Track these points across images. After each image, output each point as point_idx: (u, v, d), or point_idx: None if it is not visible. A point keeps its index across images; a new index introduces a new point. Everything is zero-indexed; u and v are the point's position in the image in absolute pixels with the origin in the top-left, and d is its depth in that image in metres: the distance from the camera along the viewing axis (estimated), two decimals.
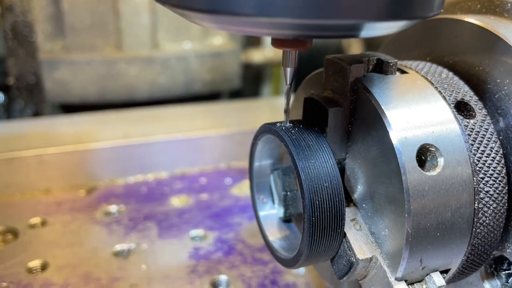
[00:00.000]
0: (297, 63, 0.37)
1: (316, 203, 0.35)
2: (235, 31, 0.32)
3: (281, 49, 0.36)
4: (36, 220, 0.69)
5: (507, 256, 0.38)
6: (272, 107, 1.05)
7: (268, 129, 0.39)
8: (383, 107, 0.34)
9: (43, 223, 0.68)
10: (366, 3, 0.27)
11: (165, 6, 0.31)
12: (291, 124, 0.38)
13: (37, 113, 1.04)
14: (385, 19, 0.28)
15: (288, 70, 0.37)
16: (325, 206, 0.35)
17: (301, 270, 0.59)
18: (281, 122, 0.39)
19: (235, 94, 1.18)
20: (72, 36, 0.97)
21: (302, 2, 0.26)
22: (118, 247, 0.63)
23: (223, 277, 0.58)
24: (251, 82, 1.21)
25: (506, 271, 0.40)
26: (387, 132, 0.33)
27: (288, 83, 0.38)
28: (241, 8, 0.27)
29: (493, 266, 0.40)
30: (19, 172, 0.76)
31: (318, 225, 0.35)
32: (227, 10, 0.27)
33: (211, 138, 0.88)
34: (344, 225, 0.36)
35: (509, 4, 0.40)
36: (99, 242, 0.64)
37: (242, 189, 0.79)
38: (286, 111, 0.39)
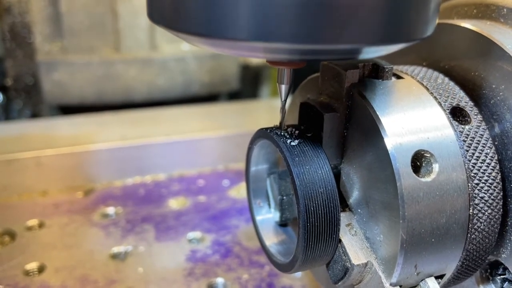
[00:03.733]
0: (291, 80, 0.37)
1: (311, 209, 0.35)
2: (232, 54, 0.32)
3: (276, 67, 0.36)
4: (33, 222, 0.69)
5: (502, 261, 0.38)
6: (271, 109, 1.05)
7: (263, 134, 0.39)
8: (378, 113, 0.34)
9: (41, 225, 0.68)
10: (362, 29, 0.27)
11: (164, 29, 0.31)
12: (286, 129, 0.38)
13: (35, 114, 1.04)
14: (381, 44, 0.29)
15: (283, 87, 0.37)
16: (320, 211, 0.35)
17: (298, 273, 0.59)
18: (276, 127, 0.39)
19: (234, 96, 1.19)
20: (70, 37, 0.97)
21: (297, 28, 0.26)
22: (115, 249, 0.63)
23: (220, 280, 0.58)
24: (249, 84, 1.21)
25: (501, 276, 0.40)
26: (382, 138, 0.33)
27: (283, 100, 0.38)
28: (236, 33, 0.27)
29: (488, 270, 0.40)
30: (17, 173, 0.76)
31: (313, 231, 0.35)
32: (223, 35, 0.27)
33: (209, 139, 0.88)
34: (339, 230, 0.36)
35: (505, 10, 0.40)
36: (96, 245, 0.64)
37: (240, 191, 0.79)
38: (281, 124, 0.39)
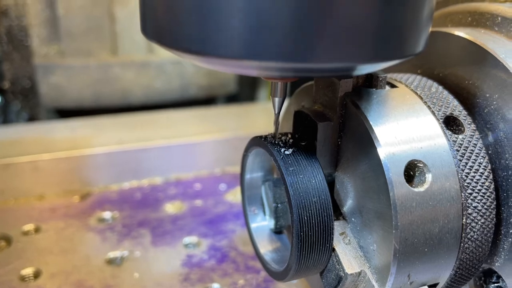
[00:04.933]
0: (285, 93, 0.37)
1: (305, 218, 0.35)
2: (225, 71, 0.32)
3: (269, 80, 0.36)
4: (29, 226, 0.68)
5: (496, 270, 0.38)
6: (268, 112, 1.04)
7: (258, 142, 0.39)
8: (371, 123, 0.34)
9: (37, 230, 0.68)
10: (355, 48, 0.27)
11: (157, 45, 0.31)
12: (280, 138, 0.38)
13: (32, 117, 1.04)
14: (374, 62, 0.29)
15: (277, 100, 0.37)
16: (313, 221, 0.35)
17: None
18: (271, 135, 0.39)
19: (231, 99, 1.19)
20: (68, 40, 0.97)
21: (289, 47, 0.26)
22: (111, 254, 0.63)
23: (215, 286, 0.58)
24: (247, 87, 1.21)
25: (495, 284, 0.40)
26: (375, 148, 0.33)
27: (276, 112, 0.38)
28: (229, 52, 0.27)
29: (482, 279, 0.40)
30: (13, 178, 0.76)
31: (307, 240, 0.35)
32: (216, 53, 0.27)
33: (206, 143, 0.88)
34: (332, 239, 0.36)
35: (499, 18, 0.41)
36: (92, 250, 0.64)
37: (237, 195, 0.79)
38: (275, 136, 0.39)
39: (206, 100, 1.12)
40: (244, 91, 1.21)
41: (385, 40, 0.29)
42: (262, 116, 1.03)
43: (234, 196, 0.79)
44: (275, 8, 0.26)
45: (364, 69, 0.32)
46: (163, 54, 1.04)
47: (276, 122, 0.39)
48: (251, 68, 0.30)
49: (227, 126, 0.93)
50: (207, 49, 0.28)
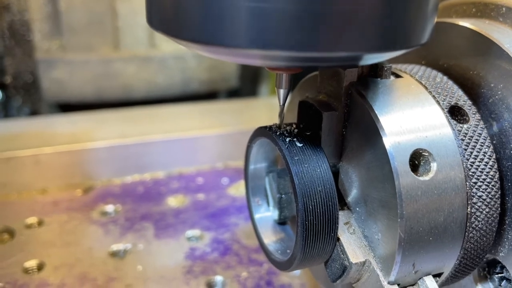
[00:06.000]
0: (290, 85, 0.37)
1: (310, 207, 0.35)
2: (230, 61, 0.32)
3: (274, 72, 0.36)
4: (32, 220, 0.69)
5: (500, 260, 0.39)
6: (270, 107, 1.05)
7: (262, 133, 0.39)
8: (376, 112, 0.34)
9: (40, 223, 0.68)
10: (361, 36, 0.27)
11: (163, 35, 0.31)
12: (285, 128, 0.38)
13: (34, 112, 1.04)
14: (380, 51, 0.29)
15: (281, 91, 0.37)
16: (318, 210, 0.35)
17: (297, 271, 0.60)
18: (275, 125, 0.39)
19: (233, 94, 1.18)
20: (69, 35, 0.97)
21: (295, 35, 0.26)
22: (114, 247, 0.63)
23: (218, 278, 0.58)
24: (248, 82, 1.21)
25: (499, 274, 0.40)
26: (380, 137, 0.33)
27: (281, 104, 0.38)
28: (235, 41, 0.27)
29: (486, 269, 0.40)
30: (16, 171, 0.76)
31: (312, 229, 0.35)
32: (221, 42, 0.27)
33: (208, 137, 0.88)
34: (337, 229, 0.36)
35: (504, 8, 0.40)
36: (95, 242, 0.64)
37: (239, 189, 0.79)
38: (280, 127, 0.38)
39: (207, 95, 1.12)
40: (246, 86, 1.20)
41: (391, 30, 0.29)
42: (263, 111, 1.03)
43: (237, 190, 0.79)
44: None
45: (370, 59, 0.32)
46: (165, 48, 1.04)
47: (281, 114, 0.39)
48: (256, 58, 0.30)
49: (229, 121, 0.93)
50: (212, 38, 0.28)
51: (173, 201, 0.75)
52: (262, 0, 0.26)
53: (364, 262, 0.36)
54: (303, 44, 0.27)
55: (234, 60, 0.31)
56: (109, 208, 0.72)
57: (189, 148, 0.86)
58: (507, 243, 0.38)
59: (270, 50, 0.27)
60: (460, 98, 0.38)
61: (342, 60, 0.30)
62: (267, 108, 1.04)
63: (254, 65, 0.33)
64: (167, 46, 1.04)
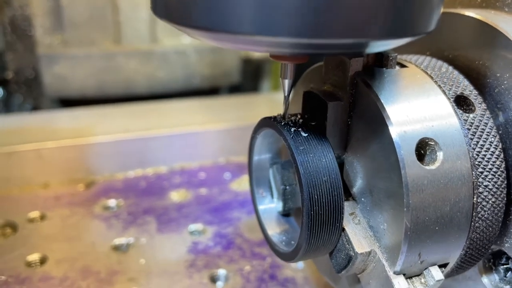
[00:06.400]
0: (295, 75, 0.37)
1: (315, 197, 0.34)
2: (235, 48, 0.32)
3: (279, 61, 0.36)
4: (35, 214, 0.69)
5: (505, 251, 0.38)
6: (272, 102, 1.04)
7: (267, 123, 0.39)
8: (382, 101, 0.34)
9: (42, 217, 0.68)
10: (367, 23, 0.27)
11: (167, 23, 0.31)
12: (290, 118, 0.38)
13: (35, 108, 1.04)
14: (386, 38, 0.29)
15: (286, 82, 0.37)
16: (323, 200, 0.35)
17: (300, 264, 0.59)
18: (280, 116, 0.39)
19: (235, 89, 1.18)
20: (71, 30, 0.97)
21: (301, 21, 0.26)
22: (117, 241, 0.63)
23: (221, 271, 0.58)
24: (250, 77, 1.21)
25: (504, 266, 0.40)
26: (386, 126, 0.33)
27: (286, 94, 0.38)
28: (240, 27, 0.27)
29: (491, 260, 0.40)
30: (18, 166, 0.76)
31: (317, 219, 0.35)
32: (226, 29, 0.27)
33: (210, 132, 0.88)
34: (342, 219, 0.36)
35: None
36: (98, 236, 0.64)
37: (241, 184, 0.79)
38: (284, 117, 0.38)
39: (209, 90, 1.12)
40: (248, 82, 1.20)
41: (398, 16, 0.28)
42: (265, 107, 1.03)
43: (239, 185, 0.79)
44: None
45: (376, 46, 0.31)
46: (167, 43, 1.04)
47: (286, 104, 0.39)
48: (262, 45, 0.29)
49: (231, 116, 0.93)
50: (217, 25, 0.27)
51: (176, 196, 0.75)
52: None
53: (369, 252, 0.36)
54: (309, 30, 0.27)
55: (239, 47, 0.31)
56: (112, 202, 0.72)
57: (191, 143, 0.86)
58: None
59: (276, 37, 0.27)
60: (466, 88, 0.38)
61: (348, 47, 0.29)
62: (269, 104, 1.04)
63: (259, 51, 0.32)
64: (169, 41, 1.04)
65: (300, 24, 0.26)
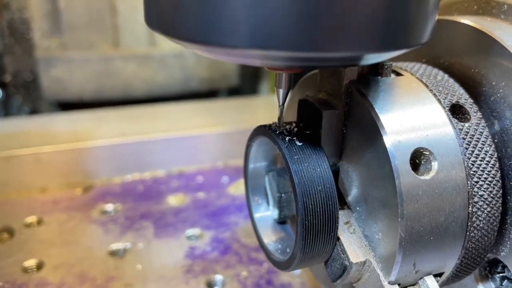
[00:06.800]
0: (289, 85, 0.37)
1: (309, 207, 0.34)
2: (229, 61, 0.32)
3: (274, 71, 0.35)
4: (32, 219, 0.69)
5: (501, 259, 0.38)
6: (270, 105, 1.04)
7: (262, 131, 0.39)
8: (377, 110, 0.34)
9: (39, 222, 0.68)
10: (361, 36, 0.27)
11: (161, 35, 0.31)
12: (285, 127, 0.38)
13: (34, 111, 1.04)
14: (380, 51, 0.28)
15: (281, 91, 0.37)
16: (318, 209, 0.35)
17: (297, 270, 0.59)
18: (275, 124, 0.38)
19: (233, 92, 1.18)
20: (69, 33, 0.97)
21: (295, 36, 0.26)
22: (114, 246, 0.63)
23: (218, 277, 0.58)
24: (249, 80, 1.21)
25: (500, 274, 0.40)
26: (380, 136, 0.33)
27: (280, 104, 0.38)
28: (234, 41, 0.27)
29: (488, 268, 0.40)
30: (16, 170, 0.76)
31: (311, 229, 0.35)
32: (220, 42, 0.27)
33: (208, 136, 0.88)
34: (337, 228, 0.36)
35: (505, 6, 0.40)
36: (95, 241, 0.64)
37: (239, 188, 0.79)
38: (279, 125, 0.38)
39: (208, 93, 1.12)
40: (246, 84, 1.20)
41: (392, 29, 0.28)
42: (264, 109, 1.03)
43: (237, 189, 0.79)
44: None
45: (370, 59, 0.31)
46: (165, 47, 1.04)
47: (280, 114, 0.39)
48: (255, 58, 0.29)
49: (229, 119, 0.93)
50: (211, 38, 0.27)
51: (173, 200, 0.75)
52: (261, 0, 0.26)
53: (364, 262, 0.36)
54: (302, 44, 0.26)
55: (233, 60, 0.31)
56: (109, 207, 0.72)
57: (189, 146, 0.86)
58: (508, 242, 0.37)
59: (269, 50, 0.27)
60: (461, 96, 0.37)
61: (342, 60, 0.29)
62: (268, 107, 1.04)
63: (253, 65, 0.32)
64: (167, 44, 1.04)
65: (293, 38, 0.26)
